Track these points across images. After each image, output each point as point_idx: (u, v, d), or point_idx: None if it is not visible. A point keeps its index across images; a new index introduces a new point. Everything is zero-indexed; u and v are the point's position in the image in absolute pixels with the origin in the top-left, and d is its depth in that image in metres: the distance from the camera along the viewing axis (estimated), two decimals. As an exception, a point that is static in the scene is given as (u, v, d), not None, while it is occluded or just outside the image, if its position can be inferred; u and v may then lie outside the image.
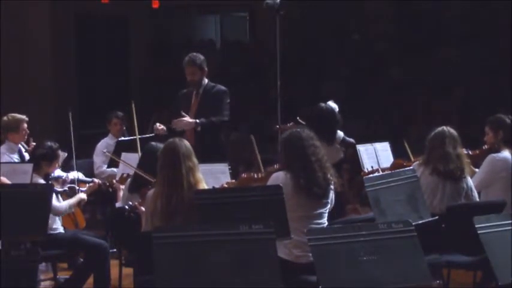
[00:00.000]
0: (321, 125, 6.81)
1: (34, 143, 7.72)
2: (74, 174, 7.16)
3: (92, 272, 6.31)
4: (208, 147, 7.12)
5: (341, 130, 7.36)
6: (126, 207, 5.62)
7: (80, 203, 6.69)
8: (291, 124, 7.39)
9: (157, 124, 7.46)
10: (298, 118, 7.43)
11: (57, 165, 6.66)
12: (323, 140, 7.01)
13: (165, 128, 7.40)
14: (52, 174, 6.69)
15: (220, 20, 15.77)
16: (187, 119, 7.31)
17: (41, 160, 6.48)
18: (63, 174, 7.01)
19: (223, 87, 7.52)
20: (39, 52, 12.17)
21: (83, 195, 6.69)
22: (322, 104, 7.23)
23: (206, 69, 7.50)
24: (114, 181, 6.88)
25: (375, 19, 13.92)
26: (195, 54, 7.56)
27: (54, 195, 6.35)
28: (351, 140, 7.40)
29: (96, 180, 7.00)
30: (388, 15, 13.99)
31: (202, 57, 7.52)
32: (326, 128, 6.93)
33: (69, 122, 7.75)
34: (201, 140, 7.23)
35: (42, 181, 6.40)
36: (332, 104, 7.27)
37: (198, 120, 7.29)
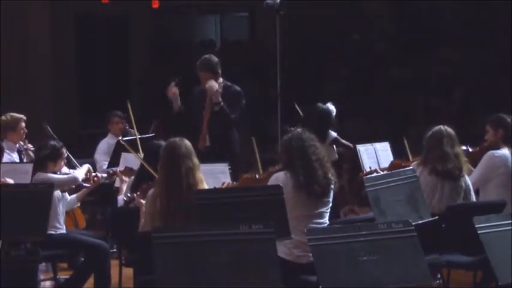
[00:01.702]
0: (314, 124, 6.84)
1: (30, 145, 7.74)
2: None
3: (92, 272, 6.31)
4: (222, 147, 7.14)
5: (338, 131, 7.39)
6: (125, 198, 5.63)
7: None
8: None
9: (173, 83, 7.42)
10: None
11: (62, 163, 6.65)
12: None
13: (177, 92, 7.36)
14: (58, 173, 6.69)
15: (220, 20, 15.75)
16: (218, 88, 7.24)
17: (46, 160, 6.48)
18: (68, 171, 7.00)
19: (238, 88, 7.47)
20: (39, 52, 12.16)
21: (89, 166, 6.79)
22: (320, 104, 7.27)
23: (219, 71, 7.41)
24: (118, 171, 6.90)
25: (375, 19, 13.92)
26: (207, 57, 7.45)
27: (59, 192, 6.37)
28: (347, 143, 7.39)
29: (99, 174, 6.98)
30: (388, 15, 13.99)
31: (215, 59, 7.43)
32: (318, 127, 6.97)
33: (49, 132, 7.90)
34: (216, 140, 7.22)
35: (51, 175, 6.39)
36: (330, 106, 7.31)
37: (222, 103, 7.24)
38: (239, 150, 7.60)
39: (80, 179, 6.59)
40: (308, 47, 14.00)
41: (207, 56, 7.52)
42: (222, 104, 7.24)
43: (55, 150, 6.53)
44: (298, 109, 7.83)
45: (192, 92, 7.63)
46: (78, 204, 6.98)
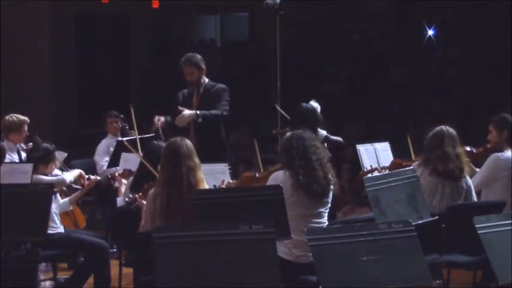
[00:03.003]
0: (301, 124, 6.85)
1: (31, 144, 7.75)
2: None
3: (92, 272, 6.31)
4: (209, 145, 7.13)
5: (333, 130, 7.38)
6: (126, 199, 5.63)
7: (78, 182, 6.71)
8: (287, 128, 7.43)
9: (156, 117, 7.41)
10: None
11: (53, 166, 6.67)
12: None
13: (163, 120, 7.37)
14: (48, 175, 6.69)
15: (220, 20, 15.77)
16: (186, 111, 7.23)
17: (38, 163, 6.49)
18: (60, 173, 7.01)
19: (222, 85, 7.51)
20: (39, 52, 12.17)
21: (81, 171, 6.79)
22: (303, 104, 7.27)
23: (204, 67, 7.46)
24: (117, 174, 6.90)
25: (375, 19, 13.93)
26: (191, 54, 7.53)
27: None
28: (338, 138, 7.38)
29: (92, 177, 6.98)
30: (388, 15, 14.00)
31: (199, 56, 7.49)
32: (307, 126, 6.97)
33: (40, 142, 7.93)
34: (203, 139, 7.22)
35: (43, 177, 6.41)
36: (313, 103, 7.30)
37: (198, 112, 7.22)
38: (226, 148, 7.59)
39: (68, 181, 6.62)
40: (308, 47, 14.01)
41: (190, 53, 7.57)
42: (198, 113, 7.22)
43: (47, 153, 6.56)
44: (283, 112, 7.80)
45: (177, 95, 7.65)
46: (71, 208, 6.97)
